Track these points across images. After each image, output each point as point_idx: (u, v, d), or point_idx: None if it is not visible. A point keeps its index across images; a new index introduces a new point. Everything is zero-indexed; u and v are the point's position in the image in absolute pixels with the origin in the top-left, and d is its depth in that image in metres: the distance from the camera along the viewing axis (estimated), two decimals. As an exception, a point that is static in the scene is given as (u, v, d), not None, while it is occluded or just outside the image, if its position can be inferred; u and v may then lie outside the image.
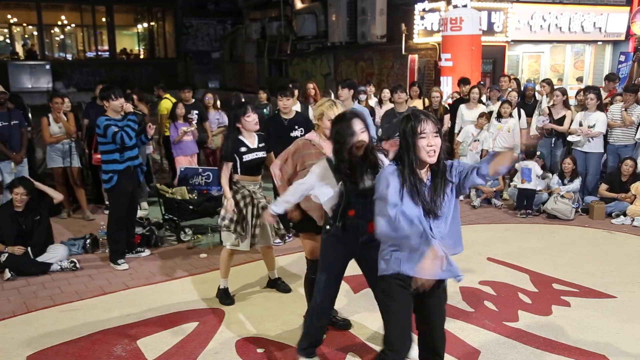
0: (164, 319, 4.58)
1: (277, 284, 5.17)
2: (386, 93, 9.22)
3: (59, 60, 29.20)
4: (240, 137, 4.72)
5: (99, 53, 30.32)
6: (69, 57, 30.39)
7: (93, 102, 7.97)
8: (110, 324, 4.48)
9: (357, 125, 3.39)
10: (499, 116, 8.36)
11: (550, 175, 7.92)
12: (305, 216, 4.01)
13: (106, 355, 4.02)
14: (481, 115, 8.30)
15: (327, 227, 3.59)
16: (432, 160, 2.87)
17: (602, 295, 5.01)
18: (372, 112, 8.91)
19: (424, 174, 2.94)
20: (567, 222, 7.30)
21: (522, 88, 10.46)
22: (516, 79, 11.06)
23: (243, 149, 4.70)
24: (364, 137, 3.39)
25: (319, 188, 3.57)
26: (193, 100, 8.62)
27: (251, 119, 4.72)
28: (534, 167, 7.71)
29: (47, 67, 24.70)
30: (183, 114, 7.97)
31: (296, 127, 6.13)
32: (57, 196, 6.17)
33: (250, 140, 4.76)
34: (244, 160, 4.71)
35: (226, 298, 4.90)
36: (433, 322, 3.13)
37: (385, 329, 3.12)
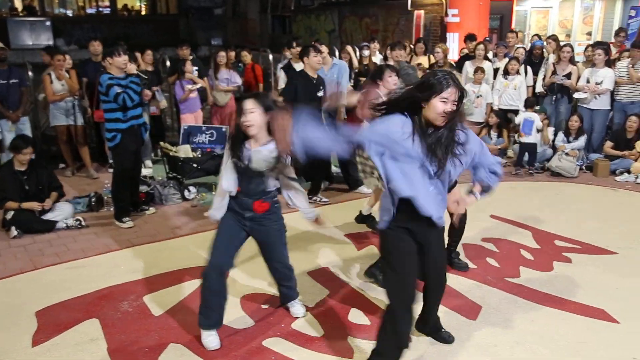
0: (168, 276, 4.64)
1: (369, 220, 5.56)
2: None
3: (59, 16, 28.76)
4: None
5: (100, 9, 29.88)
6: (69, 13, 29.95)
7: (89, 60, 7.88)
8: (116, 281, 4.55)
9: (247, 104, 3.43)
10: (506, 73, 8.26)
11: (546, 128, 7.80)
12: None
13: (113, 310, 4.10)
14: (476, 70, 8.21)
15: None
16: (440, 123, 2.84)
17: (603, 251, 5.05)
18: (377, 69, 8.81)
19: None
20: (571, 180, 7.29)
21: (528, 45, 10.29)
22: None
23: None
24: (250, 117, 3.40)
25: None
26: (191, 57, 8.55)
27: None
28: (536, 119, 7.63)
29: (47, 23, 24.33)
30: (191, 70, 7.90)
31: (321, 87, 6.11)
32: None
33: None
34: None
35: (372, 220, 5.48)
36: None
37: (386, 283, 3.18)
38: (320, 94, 6.10)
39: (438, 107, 2.80)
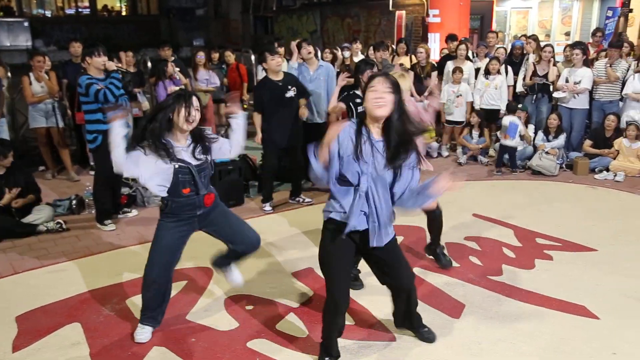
0: (152, 278, 4.60)
1: None
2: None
3: (38, 17, 28.40)
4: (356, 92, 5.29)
5: (79, 10, 29.55)
6: (48, 13, 29.58)
7: (69, 61, 7.81)
8: (99, 284, 4.51)
9: (195, 101, 3.44)
10: (487, 73, 8.33)
11: (524, 128, 7.88)
12: None
13: (95, 314, 4.06)
14: (454, 70, 8.28)
15: (162, 209, 3.61)
16: (380, 112, 2.90)
17: (584, 248, 5.11)
18: (358, 69, 8.82)
19: (375, 131, 2.98)
20: (552, 178, 7.37)
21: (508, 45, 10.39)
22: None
23: (357, 100, 5.21)
24: (194, 113, 3.42)
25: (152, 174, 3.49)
26: (173, 58, 8.51)
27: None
28: (520, 125, 7.71)
29: (26, 24, 24.04)
30: (173, 71, 7.85)
31: (289, 87, 6.09)
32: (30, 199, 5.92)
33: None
34: (359, 110, 5.13)
35: None
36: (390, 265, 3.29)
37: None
38: (289, 94, 6.04)
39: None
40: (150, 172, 3.45)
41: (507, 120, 7.71)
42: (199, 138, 3.56)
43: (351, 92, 5.37)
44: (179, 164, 3.45)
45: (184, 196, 3.51)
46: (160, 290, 3.70)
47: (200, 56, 8.82)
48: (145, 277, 3.66)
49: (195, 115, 3.44)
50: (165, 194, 3.51)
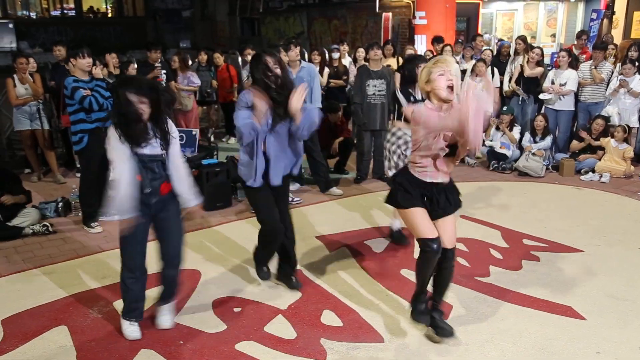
0: (139, 280, 4.57)
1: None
2: (360, 52, 9.13)
3: (22, 18, 28.17)
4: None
5: (65, 11, 29.34)
6: (33, 15, 29.35)
7: (57, 64, 7.75)
8: (86, 287, 4.47)
9: (133, 96, 3.40)
10: (474, 74, 8.38)
11: (516, 137, 7.98)
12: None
13: (82, 317, 4.03)
14: None
15: None
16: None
17: (570, 249, 5.15)
18: (346, 71, 8.84)
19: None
20: (538, 179, 7.43)
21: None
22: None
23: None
24: (142, 107, 3.41)
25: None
26: (160, 60, 8.48)
27: None
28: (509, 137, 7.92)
29: (10, 25, 23.81)
30: (158, 74, 7.79)
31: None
32: (21, 199, 5.88)
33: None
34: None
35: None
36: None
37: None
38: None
39: None
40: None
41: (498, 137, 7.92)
42: (159, 130, 3.55)
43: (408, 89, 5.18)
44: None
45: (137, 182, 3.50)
46: (141, 280, 3.74)
47: (175, 60, 8.81)
48: (123, 274, 3.71)
49: (140, 106, 3.40)
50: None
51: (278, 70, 3.95)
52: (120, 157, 3.43)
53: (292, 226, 4.41)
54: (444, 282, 3.65)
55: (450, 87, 3.28)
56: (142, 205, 3.54)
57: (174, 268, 3.82)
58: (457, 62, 8.91)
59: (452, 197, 3.57)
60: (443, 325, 3.68)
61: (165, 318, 3.88)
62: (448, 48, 8.71)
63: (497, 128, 8.07)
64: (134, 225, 3.55)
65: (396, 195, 3.54)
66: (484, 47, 9.38)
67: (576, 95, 8.08)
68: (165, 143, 3.57)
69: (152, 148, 3.52)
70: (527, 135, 7.96)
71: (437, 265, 3.55)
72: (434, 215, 3.51)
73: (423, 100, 3.61)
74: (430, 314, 3.71)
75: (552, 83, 8.00)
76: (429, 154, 3.39)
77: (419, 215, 3.46)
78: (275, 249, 4.36)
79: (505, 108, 8.07)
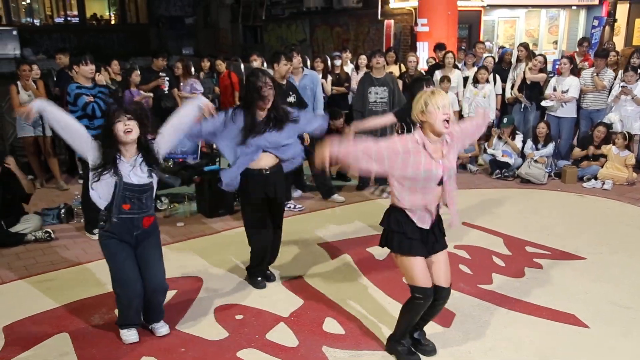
0: (141, 287, 4.57)
1: None
2: (363, 59, 9.12)
3: (26, 25, 28.27)
4: None
5: (68, 18, 29.44)
6: (37, 22, 29.46)
7: (61, 71, 7.79)
8: (87, 294, 4.47)
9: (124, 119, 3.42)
10: (476, 82, 8.38)
11: (518, 145, 7.99)
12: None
13: (84, 324, 4.02)
14: (442, 79, 8.32)
15: (102, 223, 3.58)
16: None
17: (573, 257, 5.14)
18: (348, 78, 8.85)
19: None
20: (540, 187, 7.42)
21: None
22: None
23: None
24: (133, 129, 3.42)
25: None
26: (164, 66, 8.52)
27: None
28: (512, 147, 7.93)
29: (14, 32, 23.92)
30: (138, 82, 7.75)
31: (290, 92, 6.09)
32: (28, 184, 5.85)
33: None
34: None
35: None
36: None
37: None
38: (290, 99, 6.06)
39: None
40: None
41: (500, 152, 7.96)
42: (145, 150, 3.54)
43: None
44: (121, 178, 3.44)
45: (123, 212, 3.48)
46: (140, 301, 3.70)
47: (177, 67, 8.84)
48: (122, 297, 3.67)
49: (129, 123, 3.41)
50: (103, 206, 3.51)
51: (270, 92, 4.12)
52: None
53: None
54: (434, 313, 3.53)
55: (447, 121, 3.15)
56: (128, 236, 3.57)
57: (161, 294, 3.80)
58: (460, 69, 8.95)
59: (441, 225, 3.42)
60: (426, 342, 3.64)
61: (161, 330, 3.87)
62: (450, 55, 8.71)
63: (500, 137, 8.06)
64: (122, 253, 3.58)
65: (392, 240, 3.35)
66: (486, 55, 9.39)
67: (578, 102, 8.08)
68: (151, 162, 3.56)
69: (139, 178, 3.50)
70: (529, 143, 7.96)
71: (432, 299, 3.41)
72: (431, 250, 3.35)
73: None
74: (410, 336, 3.63)
75: (554, 90, 8.00)
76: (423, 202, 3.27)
77: (417, 264, 3.30)
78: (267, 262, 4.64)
79: (505, 120, 8.03)
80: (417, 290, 3.32)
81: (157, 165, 3.60)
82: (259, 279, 4.58)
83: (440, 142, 3.24)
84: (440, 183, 3.24)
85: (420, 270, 3.30)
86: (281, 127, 4.21)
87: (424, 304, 3.36)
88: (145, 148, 3.55)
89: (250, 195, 4.31)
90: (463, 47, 10.75)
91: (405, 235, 3.29)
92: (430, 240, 3.33)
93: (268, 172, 4.26)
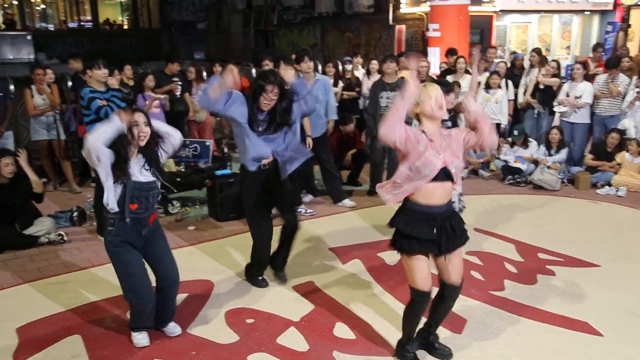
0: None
1: None
2: (374, 64, 9.12)
3: (40, 30, 28.62)
4: None
5: (82, 23, 29.74)
6: (51, 27, 29.81)
7: (76, 76, 7.86)
8: (99, 296, 4.49)
9: (140, 117, 3.50)
10: (488, 87, 8.36)
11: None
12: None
13: (96, 326, 4.04)
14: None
15: (110, 228, 3.58)
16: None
17: (586, 264, 5.09)
18: (359, 83, 8.85)
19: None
20: (553, 193, 7.37)
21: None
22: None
23: None
24: (145, 129, 3.50)
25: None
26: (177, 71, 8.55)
27: None
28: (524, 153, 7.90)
29: (29, 37, 24.13)
30: (152, 86, 7.77)
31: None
32: (36, 182, 5.81)
33: None
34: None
35: None
36: None
37: None
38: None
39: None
40: (109, 168, 3.48)
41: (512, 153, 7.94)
42: (148, 153, 3.60)
43: None
44: (129, 178, 3.50)
45: (131, 212, 3.51)
46: (154, 305, 3.73)
47: (190, 71, 8.87)
48: (137, 305, 3.69)
49: (145, 129, 3.51)
50: (114, 203, 3.51)
51: (274, 99, 4.20)
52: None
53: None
54: (445, 311, 3.54)
55: (440, 107, 3.21)
56: (136, 237, 3.59)
57: (175, 285, 3.84)
58: (471, 74, 8.91)
59: (458, 227, 3.38)
60: (441, 347, 3.64)
61: (175, 330, 3.91)
62: (462, 60, 8.69)
63: (512, 145, 8.01)
64: (132, 262, 3.61)
65: (396, 239, 3.38)
66: (498, 60, 9.36)
67: (592, 108, 8.02)
68: (154, 164, 3.62)
69: (146, 177, 3.57)
70: (542, 148, 7.91)
71: (441, 295, 3.46)
72: (444, 249, 3.32)
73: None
74: (425, 340, 3.64)
75: (567, 96, 7.96)
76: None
77: (419, 264, 3.29)
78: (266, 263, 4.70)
79: (515, 132, 7.97)
80: (416, 293, 3.37)
81: (157, 165, 3.65)
82: (260, 278, 4.63)
83: (440, 136, 3.27)
84: (441, 178, 3.23)
85: (419, 272, 3.31)
86: (279, 130, 4.30)
87: (421, 306, 3.40)
88: (150, 149, 3.61)
89: (250, 190, 4.42)
90: (474, 53, 10.70)
91: (408, 234, 3.29)
92: (443, 238, 3.31)
93: (267, 168, 4.34)
